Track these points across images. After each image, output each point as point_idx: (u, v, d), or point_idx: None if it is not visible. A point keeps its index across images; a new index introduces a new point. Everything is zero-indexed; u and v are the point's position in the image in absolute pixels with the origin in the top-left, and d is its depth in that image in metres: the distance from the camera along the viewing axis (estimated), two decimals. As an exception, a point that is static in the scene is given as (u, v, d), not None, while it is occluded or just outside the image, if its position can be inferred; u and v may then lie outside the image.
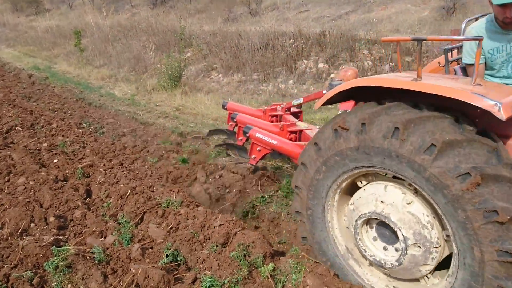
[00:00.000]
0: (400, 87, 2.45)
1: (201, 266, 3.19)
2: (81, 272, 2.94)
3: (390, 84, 2.53)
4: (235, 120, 5.42)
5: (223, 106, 6.29)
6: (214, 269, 3.10)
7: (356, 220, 2.76)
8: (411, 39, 2.63)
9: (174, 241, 3.40)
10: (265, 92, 10.96)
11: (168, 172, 5.07)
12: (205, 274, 3.05)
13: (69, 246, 3.22)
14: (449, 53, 3.49)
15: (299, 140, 4.78)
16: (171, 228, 3.60)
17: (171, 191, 4.24)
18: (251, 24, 15.56)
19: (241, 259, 3.09)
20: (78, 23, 21.91)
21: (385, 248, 2.73)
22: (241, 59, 12.65)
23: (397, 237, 2.56)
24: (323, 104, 3.00)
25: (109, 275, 2.97)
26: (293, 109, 5.76)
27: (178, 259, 3.24)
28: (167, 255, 3.19)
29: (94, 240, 3.41)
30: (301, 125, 5.05)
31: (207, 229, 3.49)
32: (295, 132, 4.87)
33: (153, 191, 4.34)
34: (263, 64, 11.97)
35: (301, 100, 5.53)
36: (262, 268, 3.06)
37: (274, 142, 4.38)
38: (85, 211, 3.89)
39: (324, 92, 4.83)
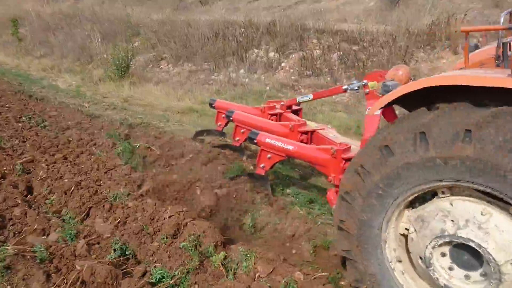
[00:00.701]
0: (506, 86, 2.01)
1: (151, 258, 3.13)
2: (22, 273, 2.79)
3: (490, 83, 2.07)
4: (231, 118, 4.88)
5: (211, 105, 5.61)
6: (165, 261, 3.06)
7: (428, 249, 2.30)
8: (505, 27, 2.35)
9: (122, 235, 3.31)
10: (216, 81, 10.86)
11: (116, 164, 4.91)
12: (155, 266, 2.99)
13: (7, 246, 3.03)
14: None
15: (311, 142, 4.33)
16: (119, 222, 3.50)
17: (118, 184, 4.11)
18: (201, 13, 15.31)
19: (192, 250, 3.07)
20: (16, 10, 20.52)
21: (467, 277, 2.26)
22: (191, 48, 12.43)
23: (479, 260, 2.18)
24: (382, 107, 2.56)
25: (53, 274, 2.84)
26: (293, 107, 5.24)
27: (127, 253, 3.16)
28: (114, 250, 3.10)
29: (35, 239, 3.24)
30: (311, 124, 4.54)
31: (157, 221, 3.42)
32: (306, 133, 4.36)
33: (99, 185, 4.19)
34: (214, 54, 11.83)
35: (309, 97, 4.88)
36: (214, 257, 3.05)
37: (290, 148, 3.84)
38: (26, 208, 3.68)
39: (346, 87, 4.28)
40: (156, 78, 11.82)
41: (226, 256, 3.07)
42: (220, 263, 3.00)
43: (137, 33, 14.52)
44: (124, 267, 3.01)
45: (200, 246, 3.15)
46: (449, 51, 9.53)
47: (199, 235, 3.16)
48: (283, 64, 11.06)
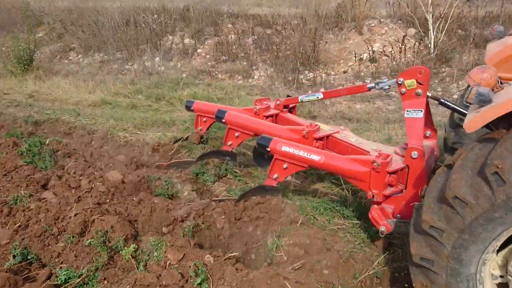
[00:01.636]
0: None
1: (56, 260, 3.00)
2: None
3: None
4: (223, 120, 4.31)
5: (188, 108, 4.95)
6: (71, 260, 2.96)
7: None
8: None
9: (23, 239, 3.12)
10: (130, 71, 10.47)
11: (17, 165, 4.57)
12: (60, 267, 2.88)
13: None
14: None
15: (327, 148, 3.83)
16: (19, 226, 3.29)
17: (19, 186, 3.85)
18: (110, 0, 14.54)
19: (100, 246, 2.99)
20: None
21: None
22: (102, 37, 11.80)
23: None
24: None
25: None
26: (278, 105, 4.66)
27: (29, 257, 3.00)
28: (14, 256, 2.92)
29: None
30: (323, 128, 4.01)
31: (62, 221, 3.28)
32: (321, 138, 3.82)
33: (-4, 189, 3.88)
34: (126, 42, 11.36)
35: (318, 96, 4.24)
36: (124, 250, 3.00)
37: (316, 158, 3.30)
38: None
39: (372, 86, 3.67)
40: (65, 70, 11.09)
41: (137, 248, 3.04)
42: (130, 256, 2.96)
43: (40, 22, 13.44)
44: (26, 272, 2.85)
45: (109, 241, 3.08)
46: (355, 32, 10.07)
47: (107, 231, 3.08)
48: (199, 50, 10.94)
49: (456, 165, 2.08)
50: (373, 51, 9.09)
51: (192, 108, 4.92)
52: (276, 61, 9.56)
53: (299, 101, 4.47)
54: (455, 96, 7.84)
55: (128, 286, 2.68)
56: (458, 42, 8.89)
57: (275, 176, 3.56)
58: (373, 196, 3.04)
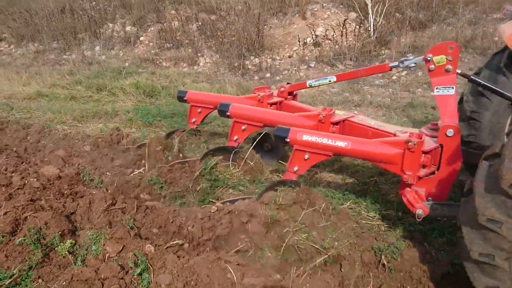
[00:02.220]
0: None
1: (-15, 262, 2.81)
2: None
3: None
4: (227, 113, 4.04)
5: (181, 98, 4.67)
6: (1, 261, 2.78)
7: None
8: None
9: None
10: (68, 61, 9.96)
11: None
12: (-11, 270, 2.70)
13: None
14: None
15: (343, 133, 3.66)
16: None
17: None
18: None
19: (33, 244, 2.84)
20: None
21: None
22: (35, 26, 11.12)
23: None
24: None
25: None
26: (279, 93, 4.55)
27: (-46, 262, 2.79)
28: None
29: None
30: (338, 113, 3.86)
31: (-10, 221, 3.07)
32: (337, 123, 3.69)
33: None
34: (63, 31, 10.78)
35: (330, 79, 4.02)
36: (59, 246, 2.87)
37: (342, 144, 3.13)
38: None
39: (394, 65, 3.50)
40: (-5, 62, 10.37)
41: (74, 243, 2.91)
42: (67, 252, 2.83)
43: (-36, 10, 12.44)
44: (-51, 279, 2.65)
45: (44, 238, 2.93)
46: (299, 17, 10.17)
47: (41, 227, 2.93)
48: (141, 38, 10.61)
49: (507, 153, 1.92)
50: (316, 35, 9.23)
51: (185, 99, 4.68)
52: (221, 48, 9.47)
53: (308, 86, 4.30)
54: (394, 77, 8.17)
55: (64, 283, 2.57)
56: (396, 25, 9.23)
57: (296, 168, 3.32)
58: (408, 179, 2.91)
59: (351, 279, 2.61)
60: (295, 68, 8.71)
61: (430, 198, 2.94)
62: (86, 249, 2.87)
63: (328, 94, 7.48)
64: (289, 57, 9.32)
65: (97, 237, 2.89)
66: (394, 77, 8.16)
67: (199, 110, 4.65)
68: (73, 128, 5.99)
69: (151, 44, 10.38)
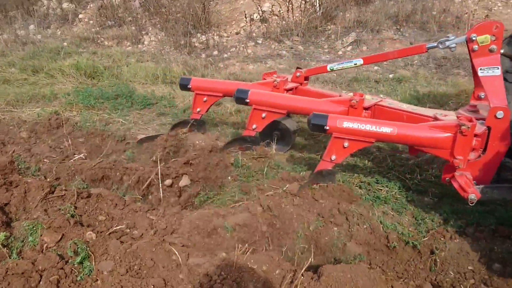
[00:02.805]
0: None
1: None
2: None
3: None
4: (247, 100, 3.77)
5: (184, 86, 4.33)
6: None
7: None
8: None
9: None
10: None
11: None
12: None
13: None
14: None
15: (374, 118, 3.49)
16: None
17: None
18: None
19: (-38, 240, 2.66)
20: None
21: None
22: (-41, 3, 10.19)
23: None
24: None
25: None
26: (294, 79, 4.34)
27: None
28: None
29: None
30: (367, 97, 3.66)
31: None
32: (368, 108, 3.54)
33: None
34: (-9, 8, 9.96)
35: (356, 62, 3.86)
36: (-8, 240, 2.71)
37: (387, 130, 2.98)
38: None
39: (432, 45, 3.34)
40: None
41: (9, 235, 2.76)
42: (0, 245, 2.68)
43: None
44: None
45: (-25, 233, 2.75)
46: (245, -8, 10.01)
47: (-30, 222, 2.75)
48: (80, 16, 10.03)
49: None
50: (263, 11, 9.15)
51: (189, 87, 4.31)
52: (166, 25, 9.17)
53: (329, 70, 4.10)
54: (340, 53, 8.31)
55: (-1, 278, 2.44)
56: (341, 0, 9.32)
57: (333, 157, 3.15)
58: (460, 164, 2.85)
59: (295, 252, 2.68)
60: (242, 45, 8.62)
61: (475, 181, 2.86)
62: (22, 241, 2.73)
63: (276, 71, 7.48)
64: (236, 33, 9.20)
65: (33, 227, 2.75)
66: (340, 52, 8.30)
67: (204, 98, 4.31)
68: (7, 113, 5.62)
69: (91, 22, 9.86)
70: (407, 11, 8.90)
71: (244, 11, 9.28)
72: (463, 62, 7.46)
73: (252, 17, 9.08)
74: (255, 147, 3.83)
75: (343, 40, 8.56)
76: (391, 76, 7.00)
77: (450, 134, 2.89)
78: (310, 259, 2.54)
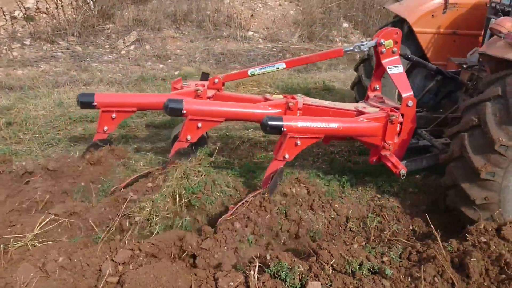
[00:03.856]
0: None
1: None
2: None
3: None
4: (183, 112, 3.37)
5: (87, 104, 3.72)
6: None
7: None
8: None
9: None
10: None
11: None
12: None
13: None
14: None
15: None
16: None
17: None
18: None
19: None
20: None
21: None
22: None
23: None
24: None
25: None
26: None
27: None
28: None
29: None
30: (276, 97, 3.86)
31: None
32: (300, 108, 3.66)
33: None
34: None
35: (280, 66, 3.88)
36: None
37: (334, 126, 3.33)
38: None
39: (349, 49, 3.74)
40: None
41: None
42: None
43: None
44: None
45: None
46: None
47: None
48: None
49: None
50: (26, 8, 8.05)
51: (94, 104, 3.69)
52: None
53: (249, 74, 3.96)
54: (123, 52, 8.05)
55: None
56: (117, -2, 9.01)
57: (286, 156, 3.26)
58: (389, 147, 3.40)
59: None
60: (5, 47, 7.40)
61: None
62: None
63: (52, 75, 6.72)
64: (-5, 34, 7.83)
65: None
66: (123, 52, 8.05)
67: (113, 115, 3.76)
68: None
69: None
70: (184, 11, 9.27)
71: (1, 8, 7.97)
72: (238, 57, 8.28)
73: (13, 14, 7.87)
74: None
75: (124, 39, 8.32)
76: (176, 73, 7.19)
77: (381, 124, 3.41)
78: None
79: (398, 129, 3.46)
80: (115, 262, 2.37)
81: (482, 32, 4.17)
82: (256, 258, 2.38)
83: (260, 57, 8.46)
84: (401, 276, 2.48)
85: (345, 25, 10.67)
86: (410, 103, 3.46)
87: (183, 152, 3.46)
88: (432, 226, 2.86)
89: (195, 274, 2.32)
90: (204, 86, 3.95)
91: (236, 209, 2.90)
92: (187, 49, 8.47)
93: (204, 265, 2.42)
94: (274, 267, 2.31)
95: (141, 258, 2.44)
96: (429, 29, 4.40)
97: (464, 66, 4.08)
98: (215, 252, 2.48)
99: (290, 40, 9.55)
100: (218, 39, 9.02)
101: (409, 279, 2.47)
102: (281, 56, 8.68)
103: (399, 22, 4.48)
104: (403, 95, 3.48)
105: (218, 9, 9.54)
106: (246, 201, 2.97)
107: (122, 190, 3.24)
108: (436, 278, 2.46)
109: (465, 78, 4.03)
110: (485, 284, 2.46)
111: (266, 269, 2.32)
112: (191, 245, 2.53)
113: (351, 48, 3.79)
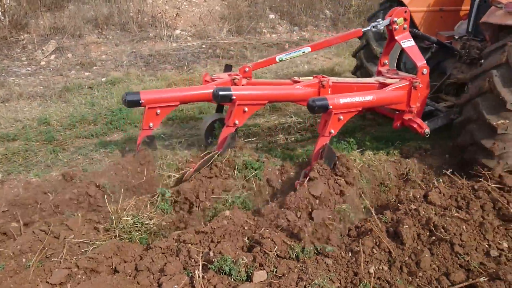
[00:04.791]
0: None
1: None
2: None
3: None
4: (233, 97, 3.45)
5: (135, 103, 3.61)
6: None
7: None
8: None
9: None
10: None
11: None
12: None
13: None
14: None
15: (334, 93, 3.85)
16: None
17: None
18: None
19: None
20: None
21: None
22: None
23: None
24: None
25: None
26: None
27: None
28: None
29: None
30: (305, 78, 4.07)
31: None
32: (330, 86, 3.90)
33: None
34: None
35: (305, 50, 4.31)
36: None
37: (370, 98, 3.63)
38: None
39: (368, 29, 4.21)
40: None
41: None
42: None
43: None
44: None
45: None
46: None
47: None
48: None
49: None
50: None
51: (141, 102, 3.63)
52: None
53: (277, 60, 4.27)
54: (43, 63, 7.58)
55: None
56: (29, 6, 8.45)
57: (332, 131, 3.49)
58: (414, 110, 3.82)
59: None
60: None
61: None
62: None
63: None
64: None
65: None
66: (43, 63, 7.58)
67: (158, 111, 3.77)
68: None
69: None
70: (104, 14, 8.90)
71: None
72: (167, 57, 8.12)
73: None
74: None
75: (43, 49, 7.83)
76: (103, 79, 6.90)
77: (405, 91, 3.80)
78: None
79: (419, 94, 3.87)
80: (51, 284, 2.24)
81: (462, 7, 5.01)
82: (199, 255, 2.35)
83: (190, 55, 8.35)
84: (342, 253, 2.58)
85: (272, 16, 10.83)
86: (425, 71, 3.88)
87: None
88: (367, 201, 3.00)
89: (138, 283, 2.25)
90: (238, 75, 4.14)
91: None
92: (113, 54, 8.15)
93: (147, 273, 2.35)
94: (218, 262, 2.30)
95: (79, 276, 2.33)
96: (421, 7, 4.87)
97: (456, 37, 4.67)
98: (158, 258, 2.43)
99: (219, 35, 9.52)
100: (145, 41, 8.78)
101: (350, 254, 2.58)
102: (211, 52, 8.63)
103: (389, 4, 4.95)
104: (418, 64, 3.91)
105: (141, 10, 9.28)
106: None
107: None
108: (374, 249, 2.59)
109: (457, 47, 4.59)
110: (419, 248, 2.62)
111: (210, 266, 2.31)
112: (132, 254, 2.46)
113: (368, 28, 4.22)
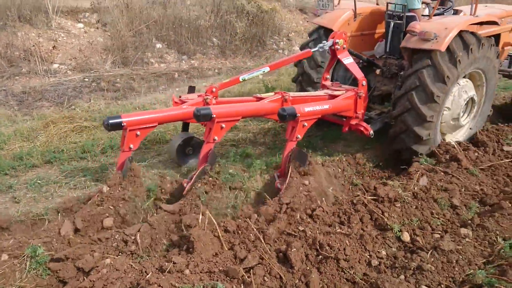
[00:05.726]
0: None
1: None
2: None
3: None
4: (213, 116, 3.75)
5: (117, 125, 3.78)
6: None
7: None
8: None
9: None
10: None
11: None
12: None
13: None
14: None
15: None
16: None
17: None
18: None
19: None
20: None
21: None
22: None
23: None
24: None
25: None
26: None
27: None
28: None
29: None
30: (268, 95, 4.68)
31: None
32: (291, 100, 4.45)
33: None
34: None
35: (265, 69, 4.82)
36: None
37: (327, 106, 4.29)
38: None
39: (316, 49, 4.78)
40: None
41: None
42: None
43: None
44: None
45: None
46: None
47: None
48: None
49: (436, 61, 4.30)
50: None
51: (123, 124, 3.76)
52: None
53: (241, 80, 4.66)
54: None
55: None
56: None
57: (299, 136, 3.95)
58: (360, 116, 4.59)
59: None
60: None
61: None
62: None
63: None
64: None
65: None
66: None
67: (138, 133, 3.92)
68: None
69: None
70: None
71: None
72: (44, 94, 7.47)
73: None
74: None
75: None
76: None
77: (353, 100, 4.52)
78: None
79: (363, 102, 4.60)
80: None
81: (377, 31, 5.90)
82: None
83: (71, 90, 7.79)
84: (234, 286, 2.52)
85: (159, 45, 10.68)
86: (364, 82, 4.60)
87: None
88: (253, 226, 3.01)
89: None
90: (209, 95, 4.46)
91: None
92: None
93: None
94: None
95: None
96: (347, 33, 5.41)
97: (377, 56, 5.66)
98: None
99: (103, 67, 9.08)
100: (17, 77, 7.99)
101: (242, 286, 2.53)
102: (95, 85, 8.17)
103: (321, 30, 5.60)
104: (359, 77, 4.61)
105: (10, 44, 8.46)
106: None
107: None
108: (265, 278, 2.58)
109: (379, 64, 5.48)
110: (308, 268, 2.68)
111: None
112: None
113: (316, 49, 4.71)
